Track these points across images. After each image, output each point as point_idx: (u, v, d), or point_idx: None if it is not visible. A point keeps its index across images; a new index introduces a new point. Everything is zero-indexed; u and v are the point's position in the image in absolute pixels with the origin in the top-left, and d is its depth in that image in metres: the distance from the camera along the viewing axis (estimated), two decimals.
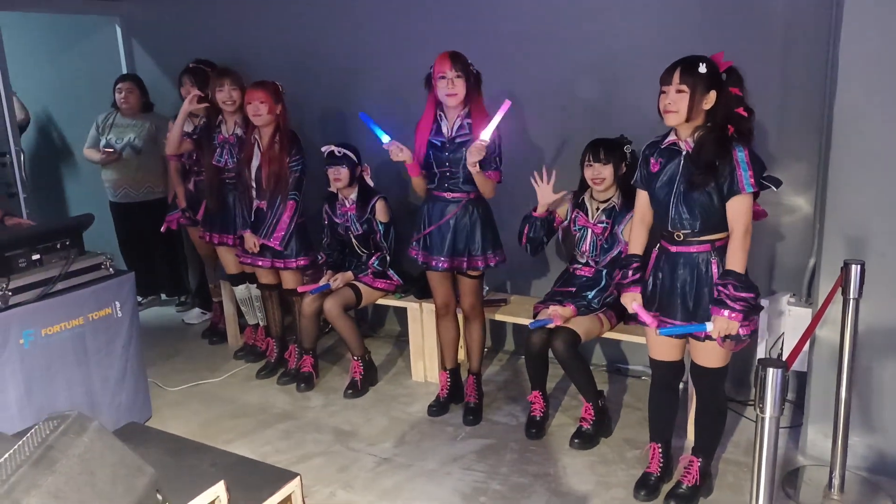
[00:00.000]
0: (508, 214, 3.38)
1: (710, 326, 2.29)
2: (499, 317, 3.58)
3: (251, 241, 3.61)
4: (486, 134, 2.86)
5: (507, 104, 2.86)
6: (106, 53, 4.96)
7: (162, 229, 4.25)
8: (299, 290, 3.66)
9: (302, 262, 3.68)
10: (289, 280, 3.75)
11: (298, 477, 2.07)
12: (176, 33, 4.67)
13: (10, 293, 2.66)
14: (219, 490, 1.80)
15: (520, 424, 3.19)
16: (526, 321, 3.14)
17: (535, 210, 3.09)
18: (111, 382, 3.07)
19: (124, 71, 4.85)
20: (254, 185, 3.58)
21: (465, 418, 3.25)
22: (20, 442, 1.35)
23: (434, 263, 3.12)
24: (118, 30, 4.92)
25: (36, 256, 2.84)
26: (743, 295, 2.24)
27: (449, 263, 3.10)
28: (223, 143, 3.74)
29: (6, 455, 1.30)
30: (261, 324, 4.09)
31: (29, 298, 2.75)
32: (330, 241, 3.72)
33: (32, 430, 1.39)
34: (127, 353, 3.13)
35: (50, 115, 5.40)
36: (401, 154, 3.00)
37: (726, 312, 2.25)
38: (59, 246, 2.93)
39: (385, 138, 3.00)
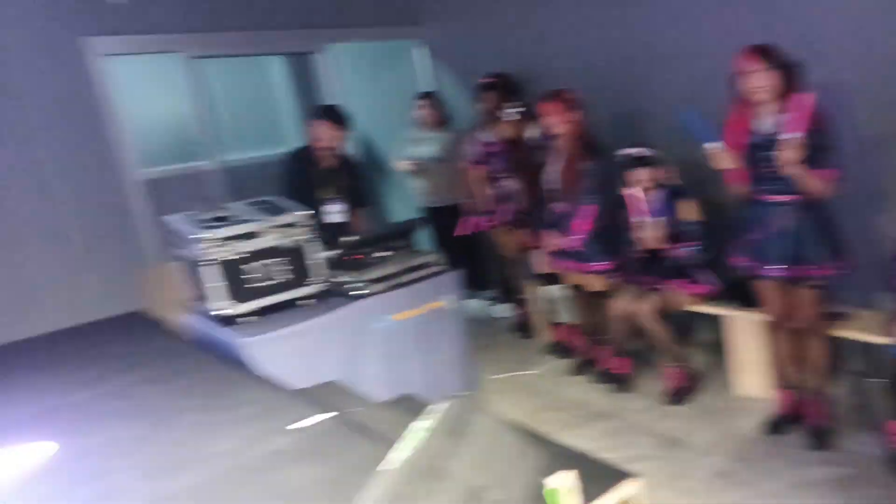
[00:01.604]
0: (851, 215, 2.93)
1: None
2: (841, 332, 3.12)
3: (551, 241, 3.70)
4: (794, 128, 2.59)
5: (810, 98, 2.59)
6: (415, 73, 5.43)
7: (455, 233, 4.52)
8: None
9: (602, 266, 3.65)
10: (592, 282, 3.73)
11: (640, 478, 2.00)
12: (472, 51, 4.96)
13: (368, 284, 3.01)
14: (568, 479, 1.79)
15: (878, 456, 2.75)
16: (876, 338, 2.69)
17: None
18: (447, 369, 3.31)
19: (431, 88, 5.28)
20: (552, 188, 3.67)
21: (808, 441, 2.92)
22: (431, 413, 1.48)
23: (763, 272, 2.86)
24: (422, 52, 5.36)
25: (382, 254, 3.19)
26: None
27: (779, 272, 2.82)
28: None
29: (424, 426, 1.44)
30: (570, 322, 4.12)
31: (382, 289, 3.08)
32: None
33: (440, 405, 1.52)
34: (457, 343, 3.35)
35: (370, 132, 6.06)
36: (726, 162, 2.80)
37: None
38: (396, 246, 3.26)
39: (714, 144, 2.79)
